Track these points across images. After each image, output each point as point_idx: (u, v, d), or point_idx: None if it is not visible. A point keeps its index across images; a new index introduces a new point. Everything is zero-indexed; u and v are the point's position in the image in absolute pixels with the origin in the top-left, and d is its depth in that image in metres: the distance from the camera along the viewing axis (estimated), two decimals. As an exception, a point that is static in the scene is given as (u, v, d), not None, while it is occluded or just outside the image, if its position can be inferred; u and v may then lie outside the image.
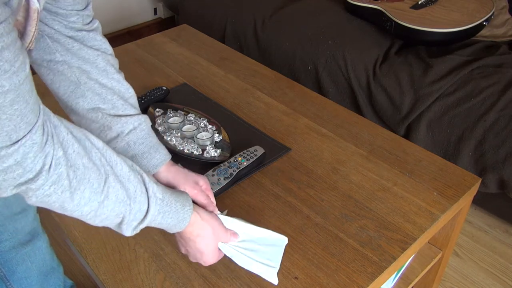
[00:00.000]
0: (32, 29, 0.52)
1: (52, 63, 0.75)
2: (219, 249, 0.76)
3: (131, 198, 0.61)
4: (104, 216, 0.59)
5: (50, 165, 0.51)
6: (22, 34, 0.53)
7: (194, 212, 0.70)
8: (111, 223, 0.62)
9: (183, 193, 0.72)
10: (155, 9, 2.82)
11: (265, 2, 2.02)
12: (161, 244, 0.86)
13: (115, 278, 0.80)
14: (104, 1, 2.51)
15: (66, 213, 0.57)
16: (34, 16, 0.51)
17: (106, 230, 0.89)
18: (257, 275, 0.76)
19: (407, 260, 0.97)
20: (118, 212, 0.60)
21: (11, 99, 0.45)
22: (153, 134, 0.82)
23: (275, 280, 0.77)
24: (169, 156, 0.82)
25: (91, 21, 0.77)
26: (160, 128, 1.09)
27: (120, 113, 0.78)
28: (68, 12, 0.72)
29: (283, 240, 0.82)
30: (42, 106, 0.52)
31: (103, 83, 0.78)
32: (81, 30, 0.75)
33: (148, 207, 0.64)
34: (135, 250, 0.85)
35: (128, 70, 1.23)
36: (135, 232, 0.65)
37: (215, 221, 0.74)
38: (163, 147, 0.82)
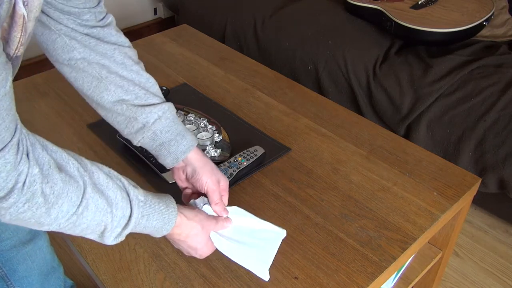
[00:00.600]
0: (17, 34, 0.51)
1: (72, 61, 0.77)
2: (212, 238, 0.76)
3: (112, 205, 0.61)
4: (84, 226, 0.59)
5: (24, 183, 0.50)
6: (6, 40, 0.51)
7: (178, 213, 0.70)
8: (92, 233, 0.61)
9: (165, 194, 0.71)
10: (155, 9, 2.82)
11: (265, 2, 2.02)
12: (161, 244, 0.86)
13: (115, 278, 0.80)
14: (105, 1, 2.51)
15: (43, 228, 0.56)
16: (19, 21, 0.50)
17: (106, 230, 0.89)
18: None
19: (407, 260, 0.97)
20: (99, 221, 0.60)
21: None
22: (178, 121, 0.82)
23: (266, 277, 0.76)
24: (196, 142, 0.82)
25: (104, 17, 0.78)
26: (160, 128, 1.09)
27: (144, 102, 0.79)
28: (80, 11, 0.73)
29: (281, 233, 0.81)
30: (19, 124, 0.51)
31: (123, 75, 0.79)
32: (95, 26, 0.77)
33: (131, 211, 0.63)
34: (135, 250, 0.85)
35: (128, 70, 1.23)
36: (119, 240, 0.64)
37: (201, 216, 0.74)
38: (189, 133, 0.83)
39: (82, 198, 0.57)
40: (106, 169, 0.63)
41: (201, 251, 0.75)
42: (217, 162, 1.01)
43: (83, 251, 0.85)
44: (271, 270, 0.80)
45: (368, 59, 1.67)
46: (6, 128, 0.48)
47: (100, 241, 0.63)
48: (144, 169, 0.99)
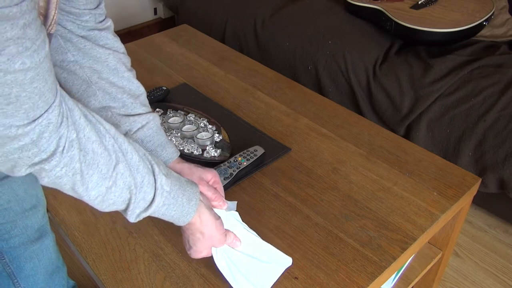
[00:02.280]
0: (52, 11, 0.54)
1: (65, 63, 0.77)
2: (212, 249, 0.76)
3: (137, 187, 0.62)
4: (111, 201, 0.60)
5: (64, 146, 0.51)
6: (45, 18, 0.53)
7: (196, 214, 0.70)
8: (118, 208, 0.63)
9: (193, 186, 0.71)
10: (155, 9, 2.82)
11: (265, 2, 2.02)
12: (161, 244, 0.86)
13: (115, 278, 0.80)
14: (105, 1, 2.51)
15: (76, 196, 0.57)
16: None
17: (106, 230, 0.89)
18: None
19: (407, 260, 0.97)
20: (125, 198, 0.61)
21: (31, 77, 0.45)
22: (161, 132, 0.83)
23: None
24: (176, 154, 0.83)
25: (103, 20, 0.78)
26: (160, 128, 1.09)
27: (130, 112, 0.80)
28: (81, 11, 0.73)
29: (286, 261, 0.80)
30: (59, 87, 0.52)
31: (113, 82, 0.79)
32: (93, 29, 0.77)
33: (153, 197, 0.64)
34: (135, 250, 0.85)
35: (128, 70, 1.23)
36: (138, 219, 0.65)
37: (215, 227, 0.74)
38: (171, 145, 0.83)
39: (112, 172, 0.58)
40: (142, 151, 0.64)
41: (194, 252, 0.76)
42: (217, 162, 1.01)
43: (83, 251, 0.85)
44: (271, 270, 0.80)
45: (368, 59, 1.67)
46: (49, 89, 0.48)
47: (124, 215, 0.65)
48: (144, 169, 0.99)
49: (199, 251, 0.76)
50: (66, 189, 0.56)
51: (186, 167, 0.83)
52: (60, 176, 0.53)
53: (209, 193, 0.79)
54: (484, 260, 1.56)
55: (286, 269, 0.80)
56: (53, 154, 0.50)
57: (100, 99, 0.79)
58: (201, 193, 0.74)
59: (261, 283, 0.77)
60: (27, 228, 0.92)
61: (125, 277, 0.80)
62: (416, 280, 1.07)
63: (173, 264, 0.82)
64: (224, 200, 0.81)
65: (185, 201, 0.68)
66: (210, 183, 0.83)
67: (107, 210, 0.62)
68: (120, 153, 0.59)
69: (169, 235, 0.87)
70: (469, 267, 1.54)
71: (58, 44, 0.76)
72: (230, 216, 0.81)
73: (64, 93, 0.54)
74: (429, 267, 1.09)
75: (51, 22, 0.55)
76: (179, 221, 0.70)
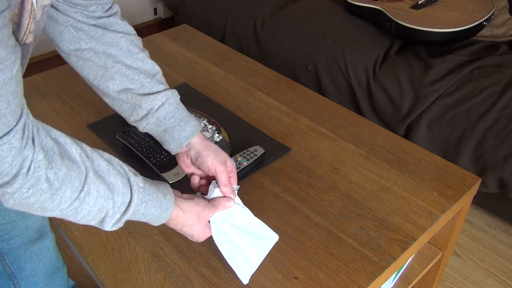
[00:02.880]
0: (26, 20, 0.52)
1: (79, 52, 0.79)
2: (211, 224, 0.77)
3: (113, 191, 0.61)
4: (85, 212, 0.59)
5: (29, 168, 0.50)
6: (17, 26, 0.52)
7: (175, 206, 0.70)
8: (93, 219, 0.62)
9: (163, 183, 0.72)
10: (155, 9, 2.82)
11: (265, 2, 2.02)
12: (161, 244, 0.86)
13: (115, 278, 0.80)
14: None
15: (46, 214, 0.57)
16: (27, 7, 0.51)
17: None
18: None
19: (407, 260, 0.97)
20: (100, 207, 0.60)
21: None
22: (182, 106, 0.84)
23: (246, 280, 0.77)
24: (199, 127, 0.84)
25: (110, 8, 0.80)
26: (160, 128, 1.09)
27: (148, 91, 0.81)
28: (87, 2, 0.75)
29: (274, 237, 0.82)
30: (25, 110, 0.51)
31: (128, 64, 0.81)
32: (101, 17, 0.79)
33: (131, 196, 0.64)
34: (135, 250, 0.85)
35: (128, 70, 1.23)
36: (117, 226, 0.64)
37: (198, 207, 0.74)
38: (193, 118, 0.84)
39: (84, 183, 0.57)
40: (107, 155, 0.64)
41: (197, 237, 0.76)
42: (217, 162, 1.01)
43: (83, 251, 0.85)
44: (271, 270, 0.80)
45: (368, 59, 1.67)
46: (12, 112, 0.47)
47: (100, 227, 0.64)
48: (144, 169, 0.99)
49: (200, 235, 0.76)
50: (35, 208, 0.55)
51: (213, 146, 0.83)
52: (27, 196, 0.52)
53: (223, 178, 0.79)
54: (484, 260, 1.56)
55: (274, 245, 0.81)
56: (15, 176, 0.50)
57: (118, 82, 0.80)
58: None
59: (254, 259, 0.78)
60: (27, 228, 0.92)
61: (125, 277, 0.80)
62: (416, 280, 1.07)
63: (173, 264, 0.82)
64: (233, 190, 0.82)
65: (161, 195, 0.68)
66: (230, 169, 0.83)
67: (81, 222, 0.61)
68: (88, 162, 0.59)
69: (169, 235, 0.87)
70: (469, 267, 1.54)
71: (71, 35, 0.77)
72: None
73: (31, 115, 0.53)
74: (429, 267, 1.09)
75: (25, 32, 0.53)
76: (160, 218, 0.69)
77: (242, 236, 0.79)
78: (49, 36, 0.79)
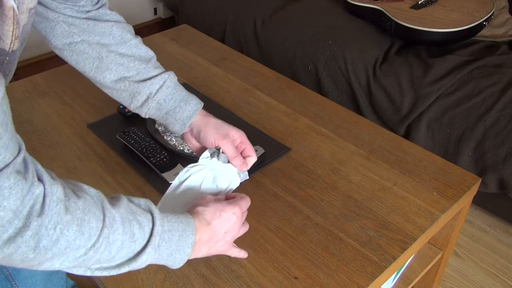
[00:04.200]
0: (9, 28, 0.49)
1: (73, 45, 0.80)
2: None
3: (135, 213, 0.61)
4: (119, 244, 0.57)
5: (43, 204, 0.47)
6: None
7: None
8: (128, 251, 0.60)
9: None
10: (155, 9, 2.82)
11: (265, 2, 2.02)
12: (161, 244, 0.86)
13: (115, 278, 0.80)
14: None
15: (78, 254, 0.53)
16: (9, 14, 0.48)
17: (106, 230, 0.89)
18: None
19: (407, 260, 0.97)
20: (131, 233, 0.59)
21: None
22: (180, 87, 0.86)
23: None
24: (200, 105, 0.85)
25: (98, 1, 0.81)
26: (160, 128, 1.09)
27: (145, 77, 0.83)
28: None
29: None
30: (23, 146, 0.48)
31: (122, 52, 0.82)
32: (91, 10, 0.80)
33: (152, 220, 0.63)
34: (135, 250, 0.85)
35: (128, 70, 1.22)
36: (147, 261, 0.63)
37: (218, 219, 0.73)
38: (193, 97, 0.86)
39: (103, 210, 0.56)
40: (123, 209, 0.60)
41: (234, 237, 0.76)
42: (217, 162, 1.01)
43: (83, 251, 0.85)
44: (271, 270, 0.80)
45: (368, 59, 1.67)
46: (5, 146, 0.43)
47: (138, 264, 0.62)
48: (144, 169, 0.99)
49: (234, 231, 0.75)
50: (64, 247, 0.51)
51: (213, 121, 0.84)
52: (51, 236, 0.48)
53: (229, 151, 0.79)
54: (484, 260, 1.56)
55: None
56: (27, 217, 0.45)
57: (115, 71, 0.81)
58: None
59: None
60: None
61: (125, 277, 0.80)
62: (416, 280, 1.07)
63: (173, 264, 0.82)
64: (244, 161, 0.82)
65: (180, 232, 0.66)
66: (237, 142, 0.83)
67: (117, 258, 0.59)
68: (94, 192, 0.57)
69: (169, 235, 0.87)
70: (469, 267, 1.54)
71: (63, 30, 0.78)
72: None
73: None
74: (429, 267, 1.09)
75: (11, 39, 0.50)
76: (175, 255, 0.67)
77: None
78: (41, 33, 0.79)
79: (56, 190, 0.48)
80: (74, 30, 0.78)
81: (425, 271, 1.09)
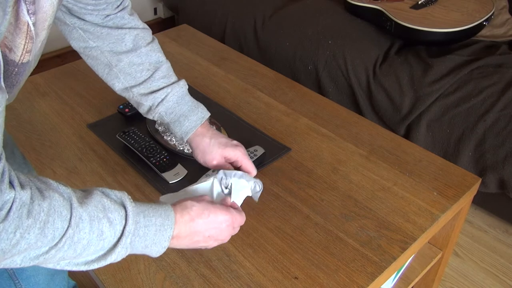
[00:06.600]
0: (21, 41, 0.50)
1: (88, 50, 0.84)
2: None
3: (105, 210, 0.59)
4: (85, 242, 0.56)
5: (10, 209, 0.48)
6: (10, 48, 0.50)
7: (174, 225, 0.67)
8: (95, 249, 0.59)
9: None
10: (155, 9, 2.82)
11: (265, 2, 2.02)
12: (161, 244, 0.86)
13: (115, 278, 0.80)
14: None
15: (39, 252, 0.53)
16: (23, 28, 0.49)
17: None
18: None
19: (407, 260, 0.97)
20: (99, 232, 0.58)
21: None
22: (182, 101, 0.88)
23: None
24: (199, 122, 0.87)
25: (120, 4, 0.84)
26: (160, 128, 1.09)
27: (149, 87, 0.86)
28: (96, 2, 0.79)
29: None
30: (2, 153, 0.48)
31: (132, 61, 0.85)
32: (110, 15, 0.83)
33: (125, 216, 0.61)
34: (135, 250, 0.85)
35: (128, 70, 1.23)
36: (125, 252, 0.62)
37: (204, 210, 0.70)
38: (195, 112, 0.88)
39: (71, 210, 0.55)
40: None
41: (226, 237, 0.73)
42: (217, 162, 1.01)
43: (83, 251, 0.85)
44: (271, 270, 0.80)
45: (368, 59, 1.67)
46: None
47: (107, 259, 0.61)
48: (144, 169, 0.99)
49: (222, 231, 0.72)
50: (24, 249, 0.51)
51: (205, 142, 0.86)
52: (16, 237, 0.49)
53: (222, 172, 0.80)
54: (484, 260, 1.56)
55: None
56: (6, 215, 0.47)
57: (122, 80, 0.85)
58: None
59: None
60: None
61: (125, 277, 0.80)
62: (416, 280, 1.07)
63: (173, 264, 0.82)
64: (253, 168, 0.86)
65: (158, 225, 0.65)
66: (233, 160, 0.86)
67: (84, 256, 0.58)
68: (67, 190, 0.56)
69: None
70: (469, 267, 1.54)
71: (79, 35, 0.82)
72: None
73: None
74: (429, 267, 1.09)
75: (22, 52, 0.51)
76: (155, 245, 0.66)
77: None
78: (62, 33, 0.84)
79: (23, 195, 0.49)
80: (89, 36, 0.82)
81: (425, 271, 1.09)
